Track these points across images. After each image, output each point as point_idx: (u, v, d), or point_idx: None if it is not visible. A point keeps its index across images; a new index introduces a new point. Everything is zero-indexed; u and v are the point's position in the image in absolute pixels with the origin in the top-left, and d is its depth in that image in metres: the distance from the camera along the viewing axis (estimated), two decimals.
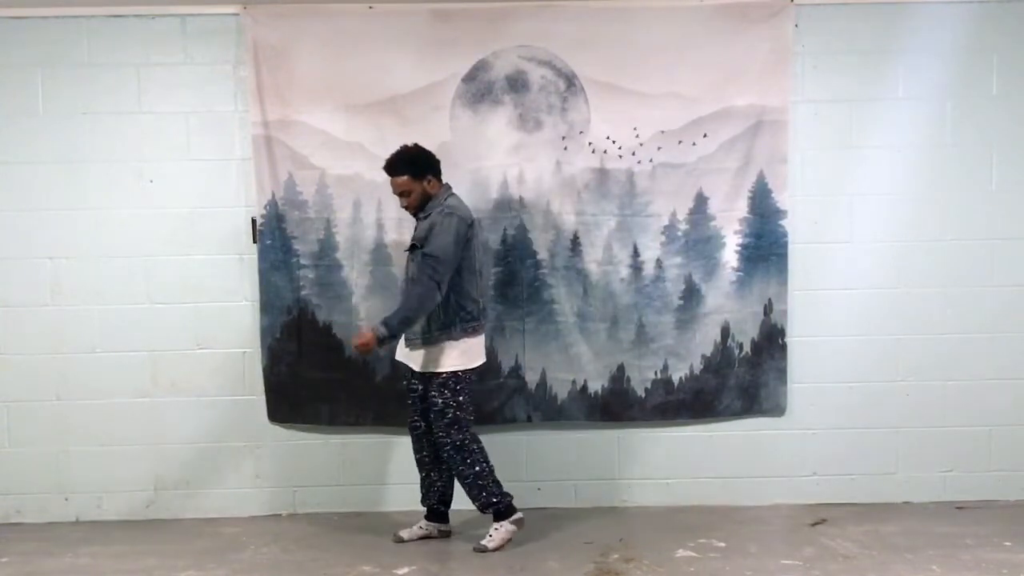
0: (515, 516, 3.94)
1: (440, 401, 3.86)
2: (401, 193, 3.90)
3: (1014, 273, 4.46)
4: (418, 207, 3.90)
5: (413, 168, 3.87)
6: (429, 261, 3.77)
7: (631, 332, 4.40)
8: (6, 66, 4.35)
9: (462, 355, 3.88)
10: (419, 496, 4.10)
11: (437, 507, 4.09)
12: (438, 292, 3.77)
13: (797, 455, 4.48)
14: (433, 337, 3.85)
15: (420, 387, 3.96)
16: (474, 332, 3.91)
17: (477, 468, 3.89)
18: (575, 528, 4.18)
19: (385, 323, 3.77)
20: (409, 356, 3.94)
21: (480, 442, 3.93)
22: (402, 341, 3.95)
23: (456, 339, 3.86)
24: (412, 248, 3.88)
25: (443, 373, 3.86)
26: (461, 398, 3.89)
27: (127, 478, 4.43)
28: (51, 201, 4.37)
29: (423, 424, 3.98)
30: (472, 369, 3.93)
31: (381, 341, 3.77)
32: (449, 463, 3.92)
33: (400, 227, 4.26)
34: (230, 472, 4.45)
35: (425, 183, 3.88)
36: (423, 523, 4.08)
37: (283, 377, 4.39)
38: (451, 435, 3.86)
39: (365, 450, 4.46)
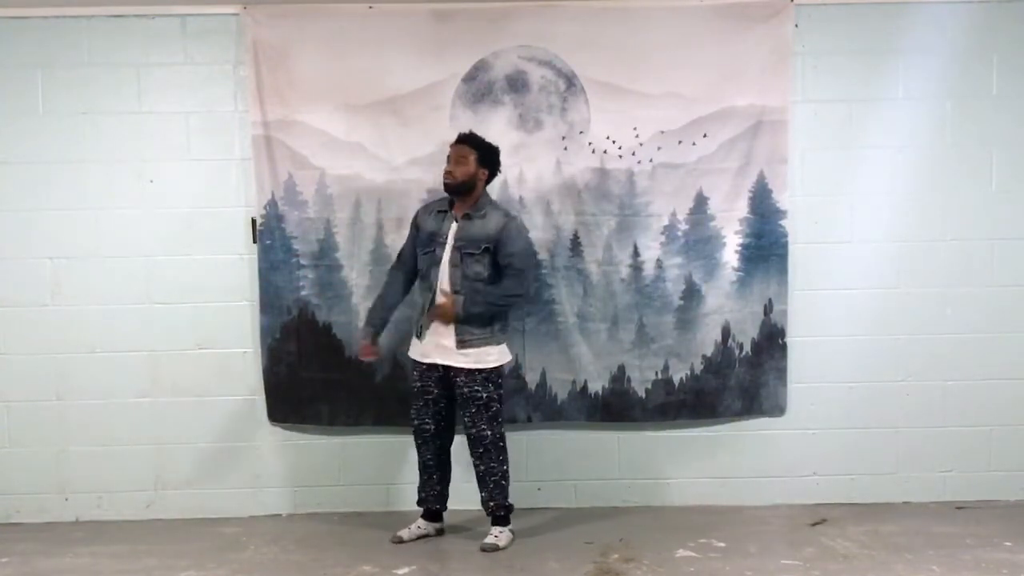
0: (511, 526, 4.00)
1: (485, 395, 3.89)
2: (457, 160, 3.92)
3: (1014, 273, 4.46)
4: (459, 183, 3.91)
5: (484, 152, 3.95)
6: (526, 270, 3.96)
7: (631, 332, 4.40)
8: (6, 66, 4.34)
9: (502, 351, 3.97)
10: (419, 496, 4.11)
11: (437, 508, 4.10)
12: (527, 296, 4.05)
13: (797, 455, 4.48)
14: (490, 338, 3.91)
15: (436, 389, 3.95)
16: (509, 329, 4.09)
17: (505, 467, 3.98)
18: (575, 528, 4.18)
19: (467, 307, 3.86)
20: (450, 354, 3.91)
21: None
22: (423, 342, 3.95)
23: (504, 338, 4.00)
24: (484, 251, 3.87)
25: (489, 368, 3.90)
26: (502, 391, 3.97)
27: (127, 478, 4.43)
28: (51, 201, 4.37)
29: (434, 426, 3.99)
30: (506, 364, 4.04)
31: (457, 317, 3.87)
32: (482, 459, 3.94)
33: (400, 227, 4.25)
34: (230, 472, 4.45)
35: (480, 172, 3.94)
36: (421, 523, 4.08)
37: (283, 377, 4.38)
38: (493, 428, 3.91)
39: (365, 450, 4.46)
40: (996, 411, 4.48)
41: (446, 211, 3.98)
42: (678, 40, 4.31)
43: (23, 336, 4.39)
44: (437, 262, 3.92)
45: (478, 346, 3.89)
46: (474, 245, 3.88)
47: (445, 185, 3.95)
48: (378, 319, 4.09)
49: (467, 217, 3.92)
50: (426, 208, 4.09)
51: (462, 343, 3.89)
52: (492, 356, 3.92)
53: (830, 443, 4.47)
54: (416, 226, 4.07)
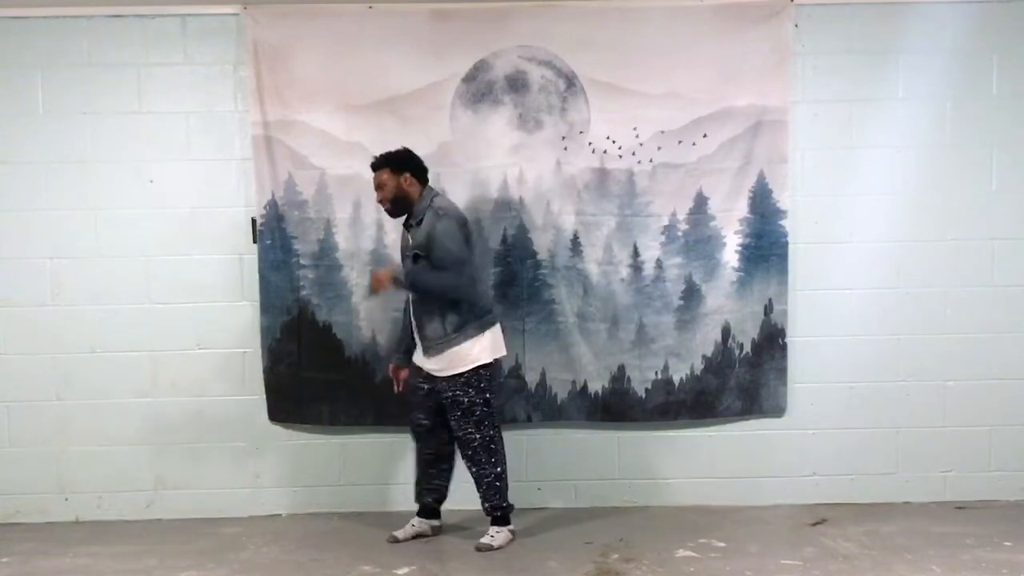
0: (511, 526, 3.99)
1: (466, 400, 3.88)
2: (377, 187, 3.92)
3: (1014, 273, 4.46)
4: (392, 201, 3.91)
5: (394, 162, 3.91)
6: (450, 267, 3.80)
7: (631, 332, 4.40)
8: (6, 66, 4.35)
9: (482, 350, 3.90)
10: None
11: (433, 505, 4.10)
12: (469, 289, 3.86)
13: (797, 455, 4.48)
14: (450, 339, 3.85)
15: (427, 386, 3.96)
16: (490, 324, 3.94)
17: (499, 469, 3.95)
18: (575, 528, 4.18)
19: (410, 276, 3.84)
20: (425, 361, 3.92)
21: (503, 442, 3.98)
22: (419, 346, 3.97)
23: (472, 336, 3.88)
24: (416, 258, 3.85)
25: (465, 372, 3.87)
26: (488, 395, 3.93)
27: (127, 478, 4.43)
28: (51, 201, 4.37)
29: (429, 422, 3.99)
30: (493, 363, 3.96)
31: (396, 282, 3.85)
32: (472, 461, 3.93)
33: (399, 227, 4.24)
34: (230, 472, 4.45)
35: (402, 179, 3.89)
36: (416, 521, 4.09)
37: (283, 377, 4.39)
38: (481, 431, 3.90)
39: (365, 450, 4.46)
40: (996, 411, 4.48)
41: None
42: (678, 40, 4.32)
43: (23, 336, 4.40)
44: None
45: (442, 349, 3.86)
46: (411, 254, 3.89)
47: (387, 212, 3.97)
48: (398, 345, 4.11)
49: (409, 227, 3.93)
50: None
51: (427, 349, 3.89)
52: (468, 358, 3.87)
53: (830, 443, 4.47)
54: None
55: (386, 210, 3.96)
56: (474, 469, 3.94)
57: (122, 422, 4.42)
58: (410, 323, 3.99)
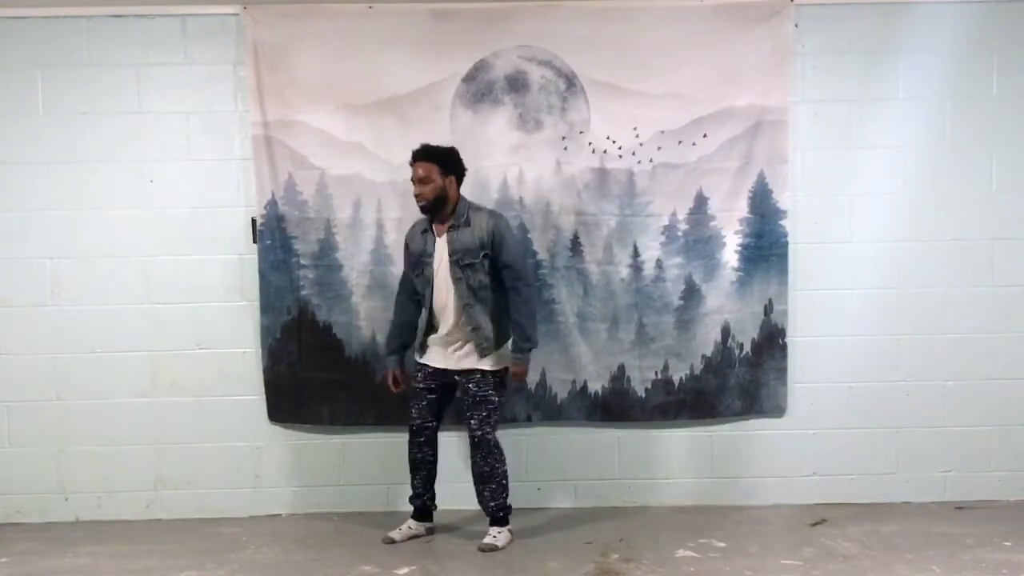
0: (510, 526, 4.00)
1: (496, 399, 3.92)
2: (421, 180, 3.84)
3: (1014, 273, 4.46)
4: (432, 200, 3.85)
5: (445, 161, 3.88)
6: (522, 271, 3.91)
7: (631, 332, 4.40)
8: (6, 66, 4.35)
9: (504, 356, 3.96)
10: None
11: (430, 507, 4.11)
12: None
13: (797, 455, 4.48)
14: (502, 340, 3.91)
15: (439, 388, 3.96)
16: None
17: (505, 468, 3.98)
18: (575, 528, 4.18)
19: (525, 348, 3.89)
20: (456, 360, 3.90)
21: None
22: (428, 357, 3.97)
23: (509, 337, 3.96)
24: (484, 257, 3.83)
25: (500, 371, 3.92)
26: (502, 397, 3.99)
27: (127, 478, 4.43)
28: (51, 201, 4.37)
29: (436, 423, 4.01)
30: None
31: (524, 359, 3.92)
32: (485, 462, 3.93)
33: (400, 227, 4.25)
34: (230, 472, 4.45)
35: (447, 181, 3.87)
36: (412, 523, 4.09)
37: (283, 377, 4.39)
38: (494, 431, 3.94)
39: (365, 450, 4.46)
40: (996, 411, 4.48)
41: (428, 229, 3.95)
42: (678, 40, 4.32)
43: (23, 336, 4.40)
44: (428, 281, 3.92)
45: (492, 350, 3.90)
46: (471, 254, 3.85)
47: (421, 208, 3.90)
48: (397, 344, 4.07)
49: (453, 228, 3.88)
50: (411, 230, 4.06)
51: (481, 348, 3.87)
52: (501, 360, 3.92)
53: (830, 443, 4.47)
54: (407, 249, 4.06)
55: (421, 206, 3.88)
56: (487, 469, 3.94)
57: (122, 422, 4.42)
58: (426, 318, 3.93)
